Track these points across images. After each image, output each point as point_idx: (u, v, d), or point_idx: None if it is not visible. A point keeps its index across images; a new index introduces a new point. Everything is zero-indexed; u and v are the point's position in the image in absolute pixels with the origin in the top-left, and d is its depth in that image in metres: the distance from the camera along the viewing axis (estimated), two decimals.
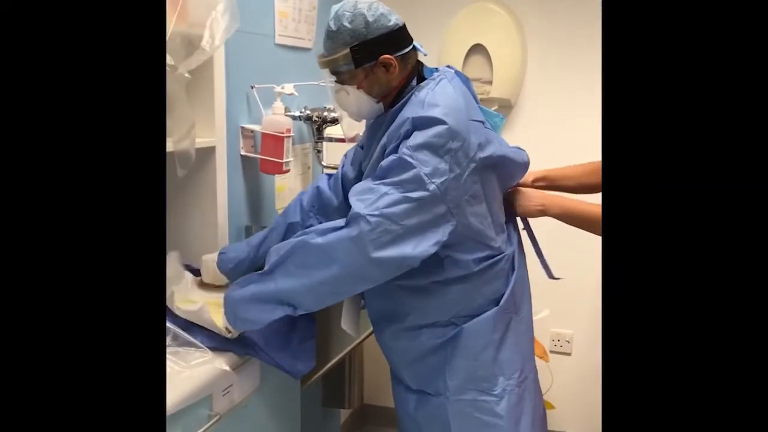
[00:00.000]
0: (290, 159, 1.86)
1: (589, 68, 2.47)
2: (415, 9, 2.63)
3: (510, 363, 1.56)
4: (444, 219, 1.39)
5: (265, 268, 1.40)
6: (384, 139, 1.46)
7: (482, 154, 1.45)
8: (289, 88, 1.88)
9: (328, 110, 2.09)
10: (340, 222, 1.35)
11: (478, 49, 2.53)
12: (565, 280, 2.59)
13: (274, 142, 1.82)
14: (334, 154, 2.30)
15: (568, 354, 2.72)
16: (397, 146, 1.39)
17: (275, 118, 1.83)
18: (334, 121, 2.09)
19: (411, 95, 1.47)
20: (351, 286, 1.44)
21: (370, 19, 1.43)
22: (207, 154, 1.70)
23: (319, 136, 2.14)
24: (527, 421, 1.59)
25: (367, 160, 1.56)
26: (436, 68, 1.54)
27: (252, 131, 1.87)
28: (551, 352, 2.68)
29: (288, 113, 1.92)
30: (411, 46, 1.50)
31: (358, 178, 1.65)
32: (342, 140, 2.19)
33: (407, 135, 1.38)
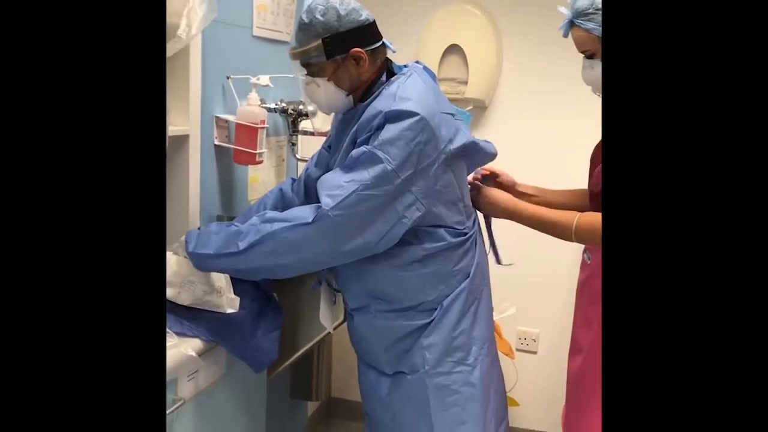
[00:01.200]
0: (264, 150, 1.87)
1: (564, 71, 2.50)
2: (393, 8, 2.65)
3: (481, 333, 1.61)
4: (412, 208, 1.44)
5: (238, 247, 1.43)
6: (354, 128, 1.49)
7: (452, 146, 1.50)
8: (264, 79, 1.89)
9: (304, 104, 2.10)
10: (307, 215, 1.39)
11: (454, 49, 2.56)
12: (533, 279, 2.64)
13: (248, 132, 1.83)
14: (309, 148, 2.31)
15: (534, 353, 2.76)
16: (368, 138, 1.43)
17: (250, 109, 1.84)
18: (309, 115, 2.10)
19: (382, 90, 1.50)
20: (318, 267, 1.57)
21: (342, 12, 1.47)
22: (180, 142, 1.71)
23: (294, 129, 2.15)
24: (495, 388, 1.66)
25: (336, 154, 1.59)
26: (405, 65, 1.58)
27: (226, 121, 1.88)
28: (517, 350, 2.71)
29: (263, 105, 1.93)
30: (380, 42, 1.55)
31: None
32: (316, 134, 2.21)
33: (379, 127, 1.42)
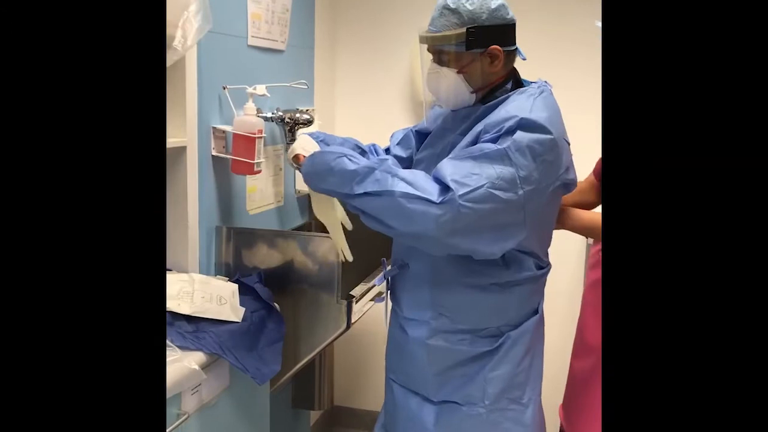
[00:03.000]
0: (262, 160, 1.86)
1: (565, 67, 2.50)
2: (386, 15, 2.65)
3: (536, 373, 1.58)
4: (518, 228, 1.38)
5: (352, 191, 1.38)
6: (480, 127, 1.42)
7: (567, 176, 1.45)
8: (261, 89, 1.88)
9: (301, 112, 2.10)
10: (434, 192, 1.32)
11: None
12: None
13: (245, 142, 1.82)
14: None
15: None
16: (498, 137, 1.36)
17: (247, 119, 1.84)
18: (307, 123, 2.10)
19: (509, 96, 1.45)
20: (411, 244, 1.47)
21: (492, 6, 1.42)
22: (178, 154, 1.70)
23: (291, 137, 2.14)
24: (544, 428, 1.62)
25: (431, 148, 1.54)
26: (534, 81, 1.52)
27: (223, 132, 1.87)
28: None
29: (260, 114, 1.92)
30: (515, 47, 1.49)
31: (405, 161, 1.66)
32: None
33: (511, 130, 1.35)
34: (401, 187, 1.33)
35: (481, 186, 1.31)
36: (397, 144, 1.71)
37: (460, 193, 1.30)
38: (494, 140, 1.36)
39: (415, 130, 1.70)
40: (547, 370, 2.66)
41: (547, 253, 1.57)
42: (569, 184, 1.49)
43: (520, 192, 1.33)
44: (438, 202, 1.30)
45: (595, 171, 1.89)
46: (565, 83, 2.48)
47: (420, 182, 1.34)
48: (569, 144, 1.48)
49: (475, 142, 1.41)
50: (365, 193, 1.36)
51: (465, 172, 1.32)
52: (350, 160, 1.41)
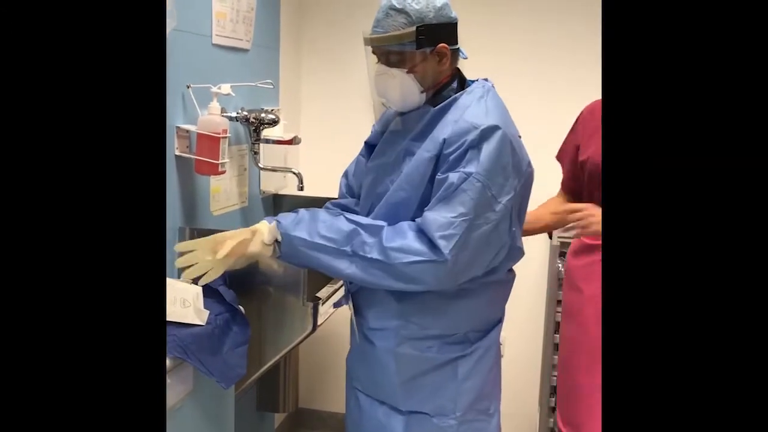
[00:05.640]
0: (226, 160, 1.84)
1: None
2: (366, 14, 2.64)
3: (499, 382, 1.60)
4: (509, 233, 1.42)
5: (346, 247, 1.39)
6: (440, 134, 1.41)
7: (530, 169, 1.47)
8: (225, 88, 1.86)
9: (266, 112, 2.08)
10: (426, 251, 1.35)
11: None
12: None
13: (209, 142, 1.79)
14: (271, 156, 2.29)
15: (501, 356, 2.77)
16: (463, 155, 1.37)
17: (211, 119, 1.81)
18: (272, 123, 2.08)
19: (459, 97, 1.45)
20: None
21: (438, 4, 1.42)
22: None
23: (256, 137, 2.12)
24: None
25: (390, 155, 1.51)
26: (476, 79, 1.53)
27: (187, 131, 1.85)
28: None
29: (224, 114, 1.90)
30: (458, 46, 1.49)
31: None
32: (279, 142, 2.19)
33: (473, 144, 1.37)
34: (400, 257, 1.36)
35: (465, 228, 1.35)
36: (353, 175, 1.67)
37: (450, 247, 1.34)
38: (459, 159, 1.37)
39: (365, 143, 1.67)
40: (513, 373, 2.70)
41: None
42: (531, 174, 1.52)
43: (499, 206, 1.38)
44: (431, 260, 1.35)
45: (564, 187, 1.93)
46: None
47: (411, 245, 1.36)
48: (520, 137, 1.50)
49: (437, 152, 1.41)
50: (367, 257, 1.38)
51: (446, 221, 1.35)
52: (347, 218, 1.44)
